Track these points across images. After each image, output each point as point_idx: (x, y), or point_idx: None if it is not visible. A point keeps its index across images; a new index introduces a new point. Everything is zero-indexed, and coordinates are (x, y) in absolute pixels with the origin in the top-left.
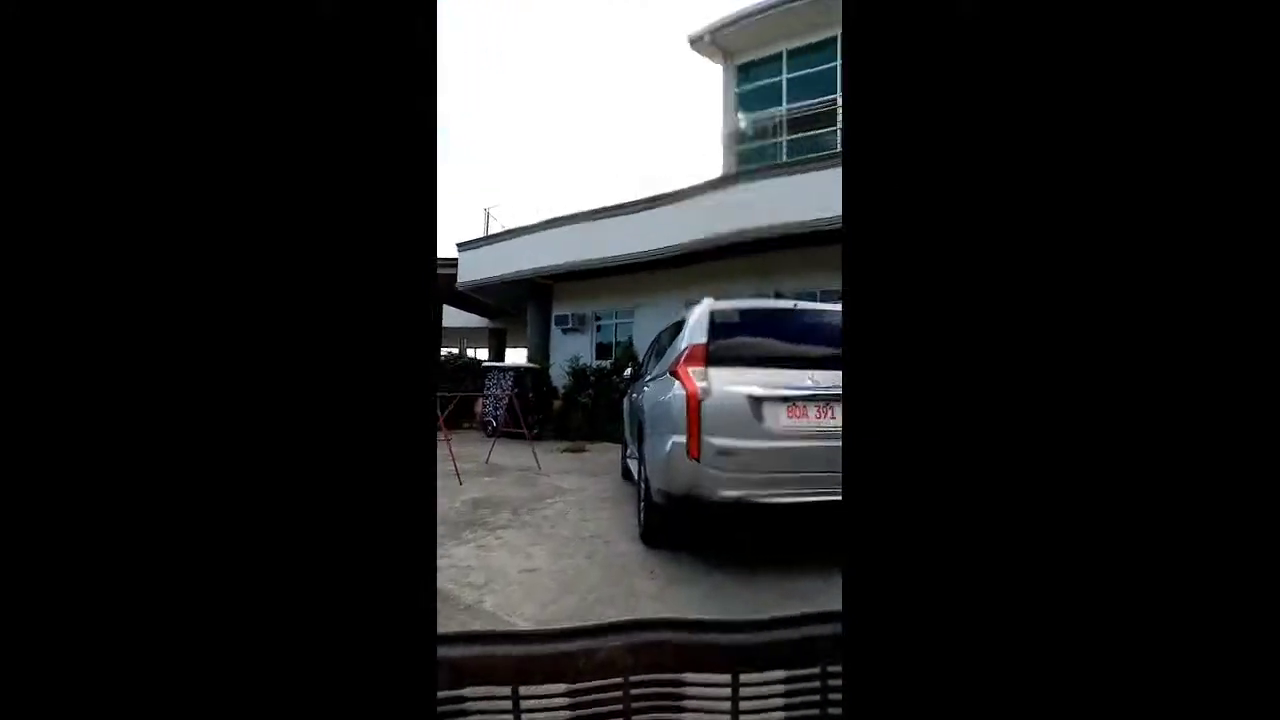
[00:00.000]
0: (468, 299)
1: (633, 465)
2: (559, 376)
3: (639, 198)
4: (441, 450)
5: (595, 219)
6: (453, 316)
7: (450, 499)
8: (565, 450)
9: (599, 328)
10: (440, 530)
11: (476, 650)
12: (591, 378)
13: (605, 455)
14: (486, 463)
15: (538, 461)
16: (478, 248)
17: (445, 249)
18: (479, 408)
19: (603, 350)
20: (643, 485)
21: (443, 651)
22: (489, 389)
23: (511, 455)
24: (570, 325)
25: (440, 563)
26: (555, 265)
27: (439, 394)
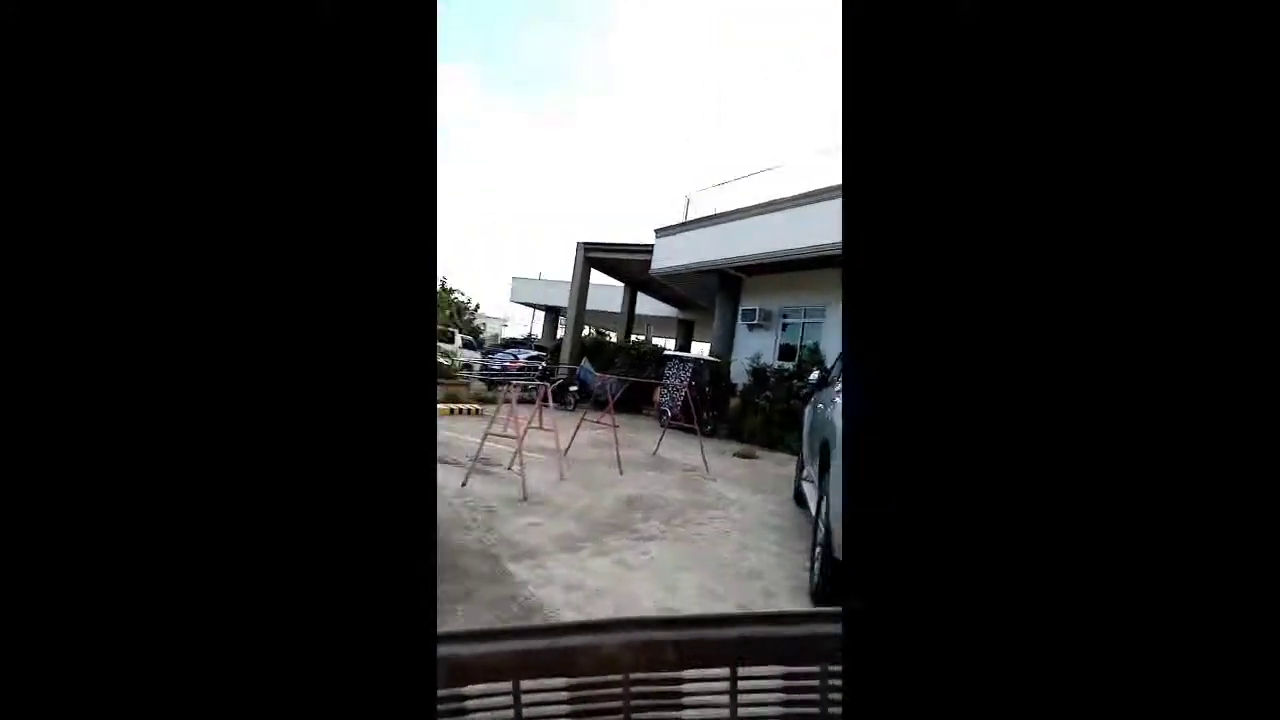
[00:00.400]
0: (659, 287)
1: (809, 490)
2: (739, 374)
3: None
4: (607, 436)
5: (797, 205)
6: (644, 304)
7: (603, 494)
8: (737, 454)
9: (785, 326)
10: (583, 531)
11: (477, 647)
12: (771, 379)
13: (778, 467)
14: (654, 454)
15: (705, 462)
16: (673, 234)
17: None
18: (657, 396)
19: (786, 351)
20: (820, 527)
21: (443, 649)
22: (667, 378)
23: (681, 450)
24: (755, 321)
25: (573, 576)
26: (746, 255)
27: (621, 378)
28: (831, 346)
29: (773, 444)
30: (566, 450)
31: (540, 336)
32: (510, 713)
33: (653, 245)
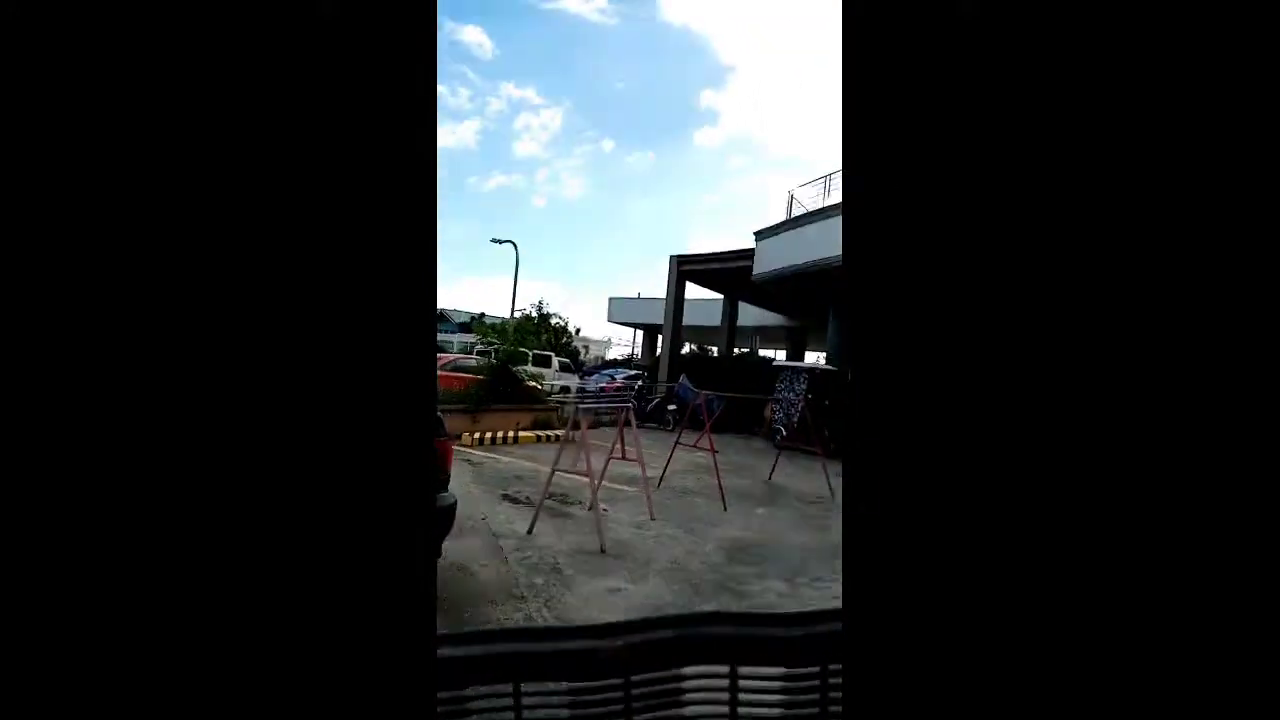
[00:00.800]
0: (765, 294)
1: None
2: None
3: None
4: (704, 461)
5: None
6: (748, 314)
7: (703, 537)
8: None
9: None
10: (677, 596)
11: (478, 649)
12: None
13: None
14: (767, 480)
15: (830, 487)
16: (776, 235)
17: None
18: (768, 413)
19: None
20: None
21: (445, 650)
22: (779, 392)
23: (800, 475)
24: None
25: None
26: None
27: (720, 394)
28: None
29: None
30: (660, 481)
31: (640, 356)
32: (511, 714)
33: (751, 250)
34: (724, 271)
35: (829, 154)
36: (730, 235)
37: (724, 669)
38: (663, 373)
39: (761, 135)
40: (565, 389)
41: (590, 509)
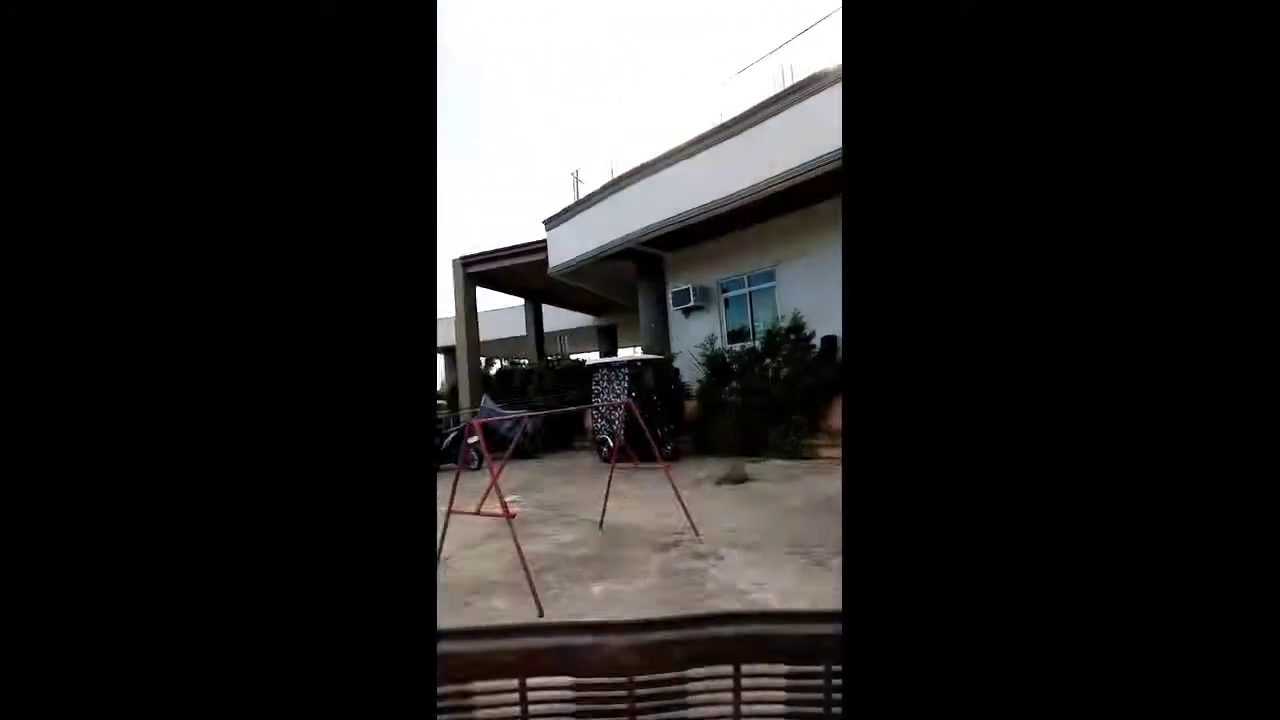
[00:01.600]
0: (566, 292)
1: None
2: (687, 370)
3: (773, 96)
4: (530, 509)
5: (724, 138)
6: (553, 318)
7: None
8: (722, 482)
9: (727, 302)
10: None
11: (484, 644)
12: (734, 365)
13: (787, 485)
14: (601, 525)
15: (686, 512)
16: (567, 220)
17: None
18: (589, 422)
19: (737, 334)
20: None
21: (451, 646)
22: (598, 395)
23: (643, 501)
24: (691, 303)
25: None
26: (661, 221)
27: (533, 411)
28: (791, 311)
29: (755, 449)
30: (438, 559)
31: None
32: (517, 710)
33: (545, 241)
34: (517, 270)
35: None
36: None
37: (728, 668)
38: (464, 397)
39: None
40: None
41: None
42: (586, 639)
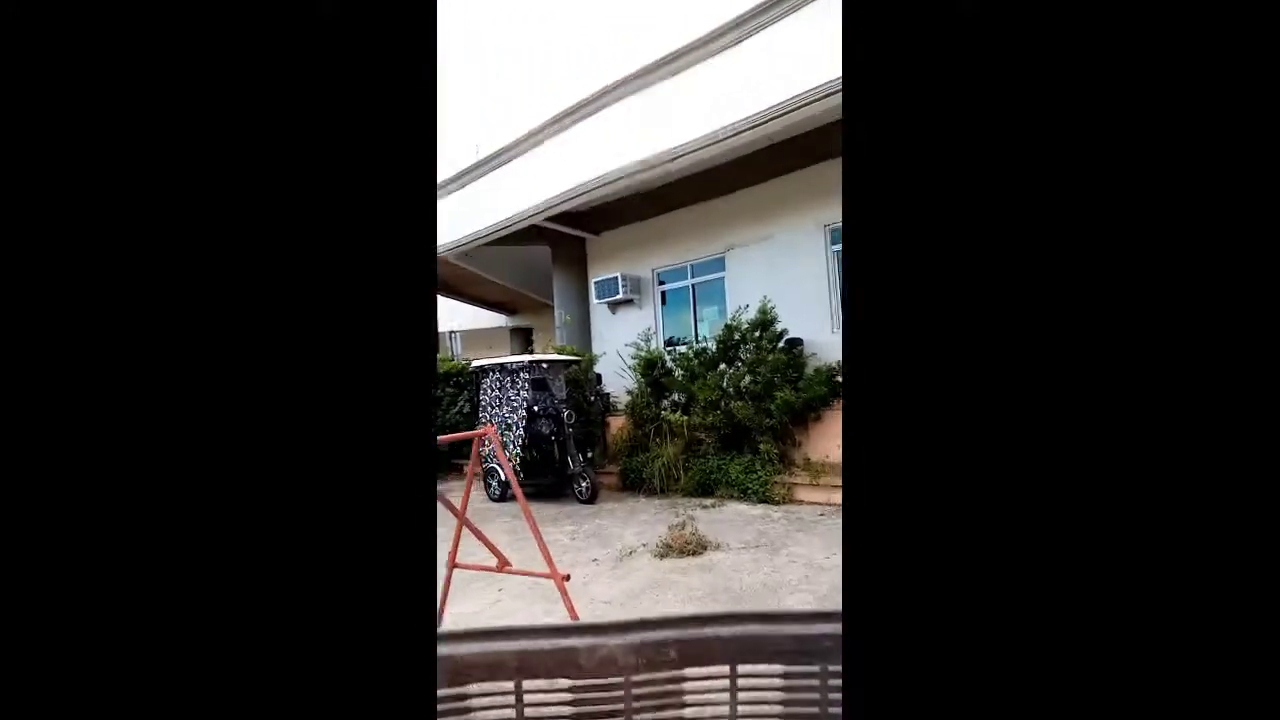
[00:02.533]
0: (474, 285)
1: None
2: (614, 378)
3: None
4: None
5: (646, 83)
6: (460, 315)
7: None
8: (661, 550)
9: (665, 296)
10: None
11: (480, 647)
12: (679, 372)
13: (772, 559)
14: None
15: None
16: (458, 188)
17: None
18: (479, 446)
19: (671, 341)
20: None
21: (446, 648)
22: (486, 407)
23: (533, 581)
24: (620, 295)
25: None
26: (577, 187)
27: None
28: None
29: (708, 487)
30: None
31: None
32: (513, 712)
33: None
34: None
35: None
36: None
37: (724, 669)
38: None
39: None
40: None
41: None
42: (583, 640)
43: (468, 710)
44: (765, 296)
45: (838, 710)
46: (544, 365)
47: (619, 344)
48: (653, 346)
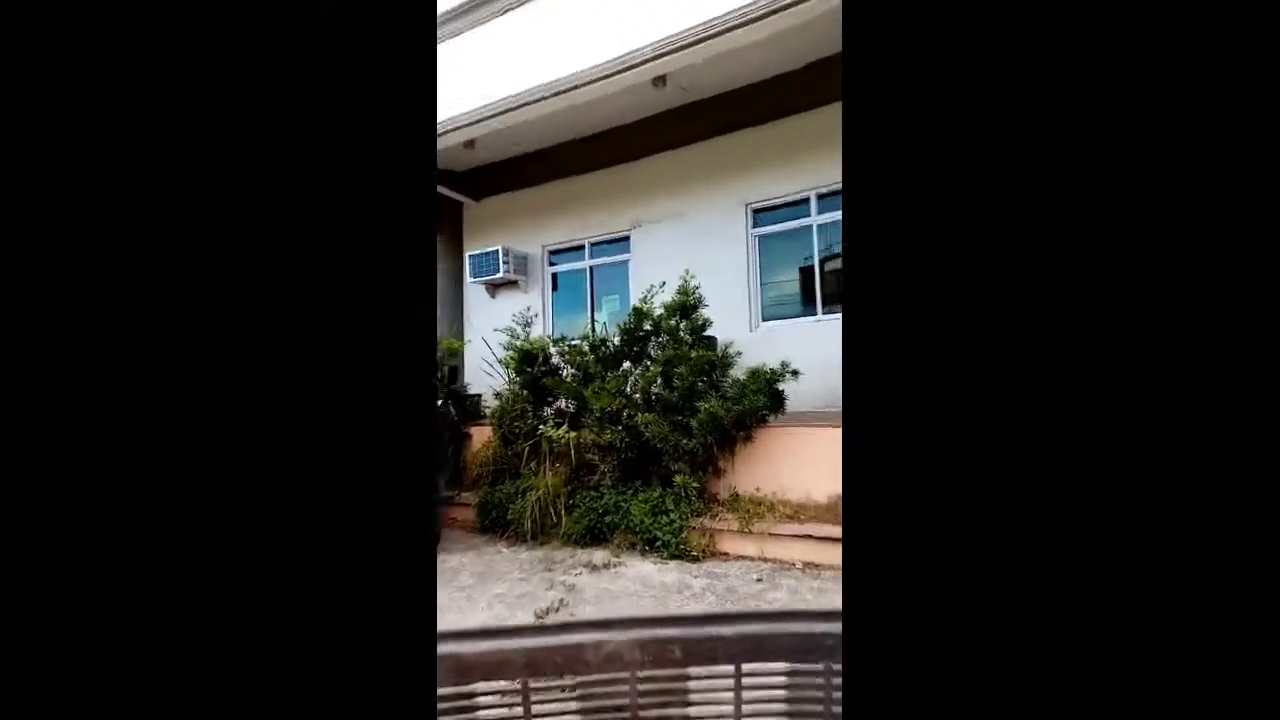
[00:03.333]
0: None
1: None
2: (480, 376)
3: None
4: None
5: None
6: None
7: None
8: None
9: (555, 279)
10: None
11: (486, 645)
12: (569, 372)
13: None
14: None
15: None
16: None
17: None
18: None
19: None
20: None
21: (453, 647)
22: None
23: None
24: (501, 274)
25: None
26: (454, 118)
27: None
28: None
29: (599, 533)
30: None
31: None
32: (519, 709)
33: None
34: None
35: None
36: None
37: (729, 667)
38: None
39: None
40: None
41: None
42: (590, 637)
43: (475, 708)
44: (687, 271)
45: (840, 710)
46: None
47: (495, 332)
48: (534, 334)
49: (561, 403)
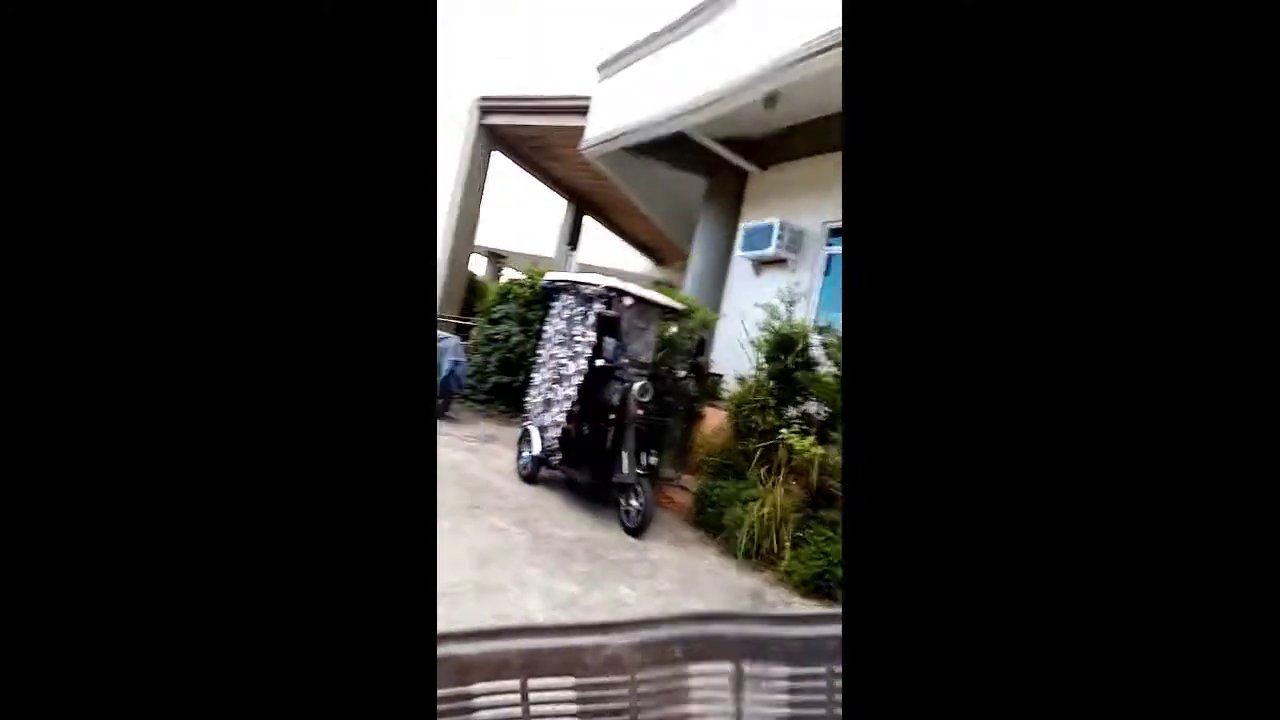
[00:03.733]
0: (619, 208)
1: None
2: (729, 356)
3: None
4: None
5: None
6: (600, 251)
7: None
8: None
9: (831, 262)
10: None
11: (485, 646)
12: (828, 370)
13: None
14: None
15: None
16: (627, 66)
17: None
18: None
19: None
20: None
21: (452, 648)
22: (547, 343)
23: None
24: (772, 249)
25: None
26: (760, 72)
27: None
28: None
29: (827, 589)
30: None
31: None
32: (518, 710)
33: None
34: (556, 143)
35: None
36: None
37: (729, 667)
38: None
39: None
40: None
41: None
42: (589, 639)
43: (473, 710)
44: None
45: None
46: (629, 301)
47: (755, 309)
48: (797, 318)
49: (812, 406)
